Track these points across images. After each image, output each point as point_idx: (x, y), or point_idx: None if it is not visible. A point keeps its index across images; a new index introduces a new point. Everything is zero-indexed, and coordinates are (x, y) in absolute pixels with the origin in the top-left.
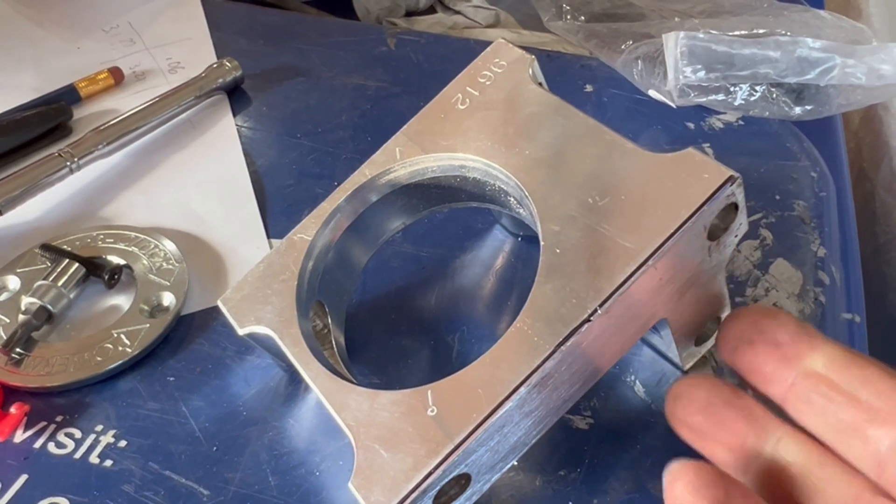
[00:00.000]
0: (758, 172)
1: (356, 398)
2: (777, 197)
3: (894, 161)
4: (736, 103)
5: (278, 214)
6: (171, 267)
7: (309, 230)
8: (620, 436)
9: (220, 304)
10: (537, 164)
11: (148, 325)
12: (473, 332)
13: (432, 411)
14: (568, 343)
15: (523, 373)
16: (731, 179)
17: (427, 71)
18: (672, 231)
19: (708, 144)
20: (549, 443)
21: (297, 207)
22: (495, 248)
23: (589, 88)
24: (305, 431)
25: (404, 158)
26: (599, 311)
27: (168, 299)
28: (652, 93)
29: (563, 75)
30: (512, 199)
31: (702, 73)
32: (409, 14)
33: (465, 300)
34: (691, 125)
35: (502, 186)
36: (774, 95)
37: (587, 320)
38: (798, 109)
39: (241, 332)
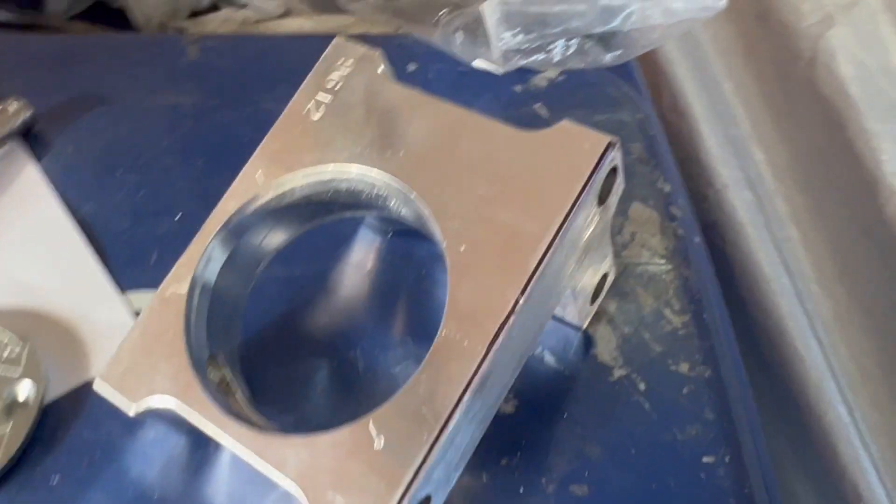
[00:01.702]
0: (591, 123)
1: (293, 449)
2: None
3: (672, 84)
4: (555, 60)
5: (123, 264)
6: (13, 354)
7: (182, 281)
8: (546, 409)
9: (98, 384)
10: (416, 162)
11: (9, 426)
12: (374, 341)
13: (379, 443)
14: (499, 340)
15: (463, 381)
16: (611, 145)
17: (240, 77)
18: (570, 206)
19: (540, 104)
20: (484, 436)
21: (143, 251)
22: (368, 252)
23: (412, 67)
24: (232, 494)
25: (269, 181)
26: (522, 301)
27: (24, 390)
28: (477, 63)
29: None
30: (393, 202)
31: (521, 36)
32: (194, 14)
33: (355, 311)
34: (518, 88)
35: (379, 192)
36: (587, 47)
37: (511, 312)
38: (608, 56)
39: (134, 410)
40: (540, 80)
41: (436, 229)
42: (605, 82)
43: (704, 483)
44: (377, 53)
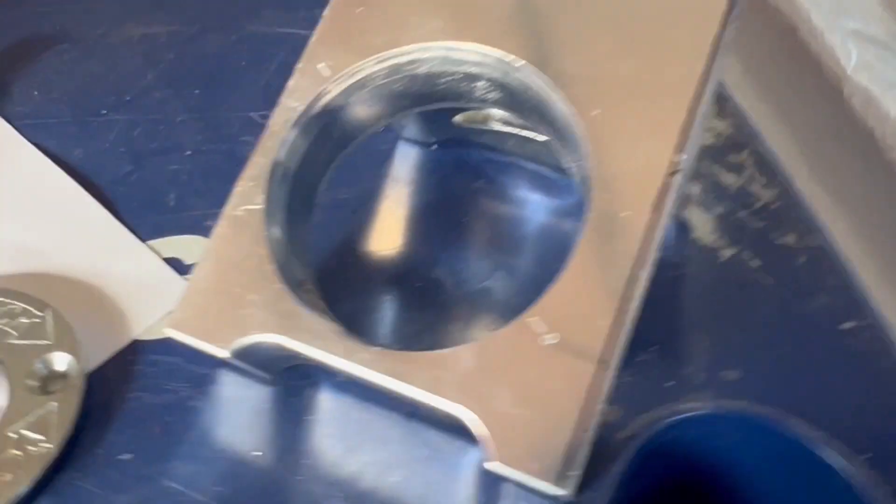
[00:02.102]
0: None
1: (444, 363)
2: None
3: None
4: None
5: (136, 209)
6: (35, 320)
7: (254, 198)
8: (666, 300)
9: (170, 330)
10: (515, 29)
11: (56, 403)
12: (452, 259)
13: (554, 338)
14: (661, 202)
15: (630, 255)
16: None
17: (215, 1)
18: (710, 49)
19: None
20: None
21: (156, 193)
22: (416, 166)
23: None
24: (350, 441)
25: (336, 73)
26: (684, 155)
27: (61, 361)
28: None
29: None
30: (482, 83)
31: None
32: None
33: (421, 230)
34: None
35: (468, 71)
36: None
37: (672, 171)
38: None
39: (224, 352)
40: None
41: (556, 98)
42: None
43: (850, 349)
44: None
